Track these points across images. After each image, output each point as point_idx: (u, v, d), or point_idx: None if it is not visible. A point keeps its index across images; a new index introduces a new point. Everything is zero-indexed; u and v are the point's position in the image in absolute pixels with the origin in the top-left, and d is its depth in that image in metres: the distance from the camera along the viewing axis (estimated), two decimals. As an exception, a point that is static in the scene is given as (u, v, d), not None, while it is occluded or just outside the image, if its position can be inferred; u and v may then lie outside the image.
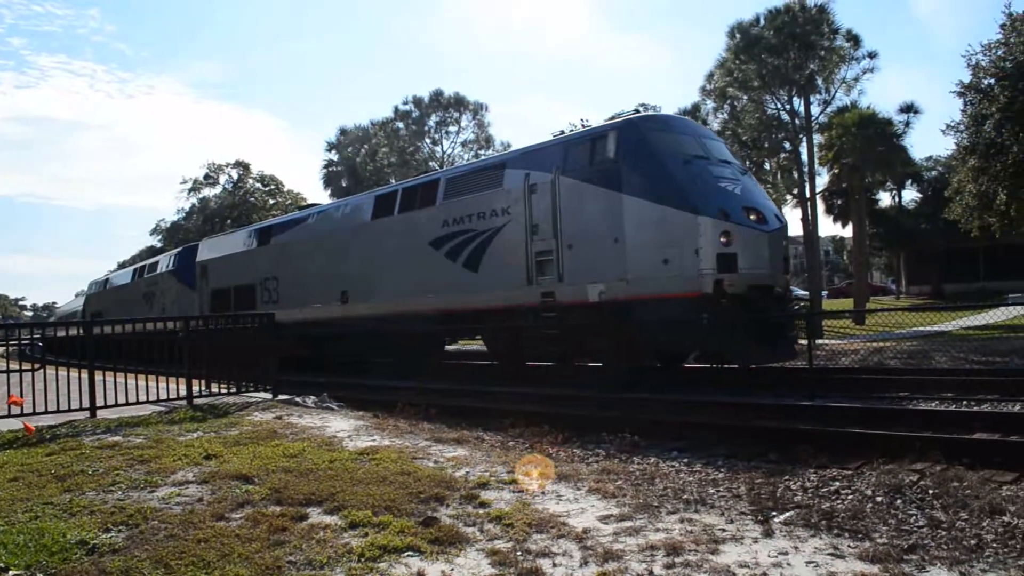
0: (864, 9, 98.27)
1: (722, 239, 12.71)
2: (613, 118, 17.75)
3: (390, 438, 8.50)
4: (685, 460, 7.64)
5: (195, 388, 11.34)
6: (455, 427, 9.75)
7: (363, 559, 4.44)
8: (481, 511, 5.53)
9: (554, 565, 4.41)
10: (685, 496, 6.08)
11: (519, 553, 4.63)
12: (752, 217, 13.31)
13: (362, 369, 20.70)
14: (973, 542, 4.81)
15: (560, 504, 5.85)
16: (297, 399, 11.59)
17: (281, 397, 11.72)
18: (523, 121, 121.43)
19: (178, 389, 11.29)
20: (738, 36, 41.42)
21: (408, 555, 4.54)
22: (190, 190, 74.52)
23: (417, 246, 17.76)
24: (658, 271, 12.91)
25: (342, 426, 9.28)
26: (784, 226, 14.64)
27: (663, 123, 14.92)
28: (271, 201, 73.00)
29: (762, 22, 41.15)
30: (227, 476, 6.39)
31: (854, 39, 40.47)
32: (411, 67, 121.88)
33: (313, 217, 23.17)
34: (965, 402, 9.94)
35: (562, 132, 18.81)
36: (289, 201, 71.10)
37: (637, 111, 18.45)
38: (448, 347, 22.49)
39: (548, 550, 4.68)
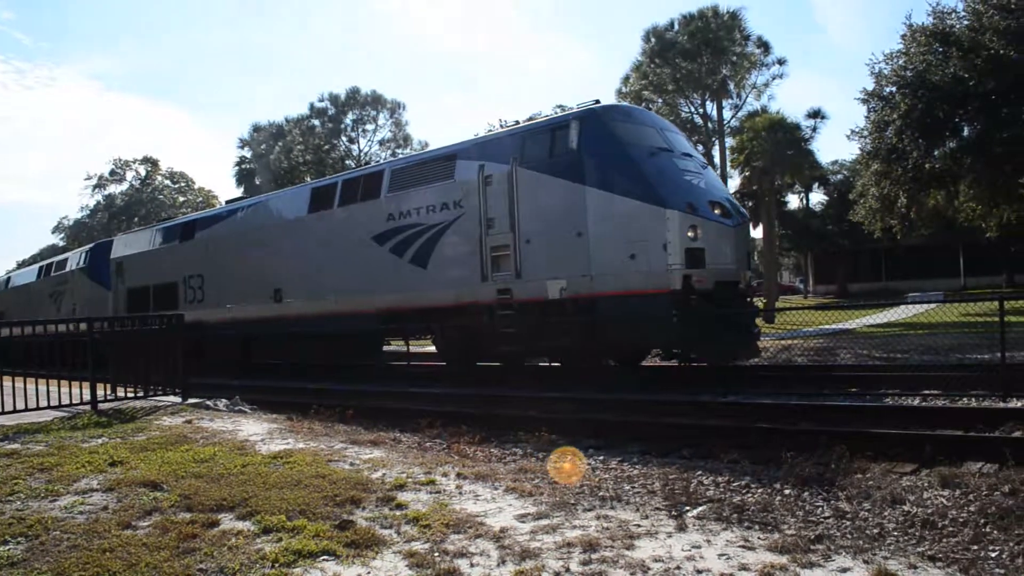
0: (774, 17, 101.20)
1: (689, 234, 12.34)
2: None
3: (305, 441, 8.36)
4: (601, 457, 7.73)
5: (100, 393, 10.92)
6: (371, 429, 9.64)
7: (277, 565, 4.35)
8: (398, 513, 5.49)
9: (472, 565, 4.40)
10: (601, 493, 6.15)
11: (436, 554, 4.60)
12: (717, 211, 13.03)
13: (296, 372, 19.75)
14: (876, 531, 4.99)
15: (478, 504, 5.83)
16: (208, 402, 11.28)
17: (191, 401, 11.40)
18: (442, 121, 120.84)
19: (82, 394, 10.85)
20: (653, 40, 42.15)
21: (323, 559, 4.47)
22: (95, 187, 72.13)
23: (359, 241, 16.90)
24: (624, 266, 12.44)
25: (255, 429, 9.09)
26: (747, 220, 14.40)
27: (626, 113, 14.48)
28: (181, 199, 71.13)
29: (676, 27, 41.97)
30: (134, 483, 6.18)
31: (764, 46, 41.70)
32: (328, 64, 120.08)
33: (242, 211, 21.92)
34: (868, 396, 10.29)
35: (491, 130, 17.95)
36: (200, 199, 69.40)
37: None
38: (385, 348, 21.39)
39: (466, 550, 4.66)
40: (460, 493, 6.18)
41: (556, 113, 17.59)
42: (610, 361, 15.18)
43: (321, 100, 60.61)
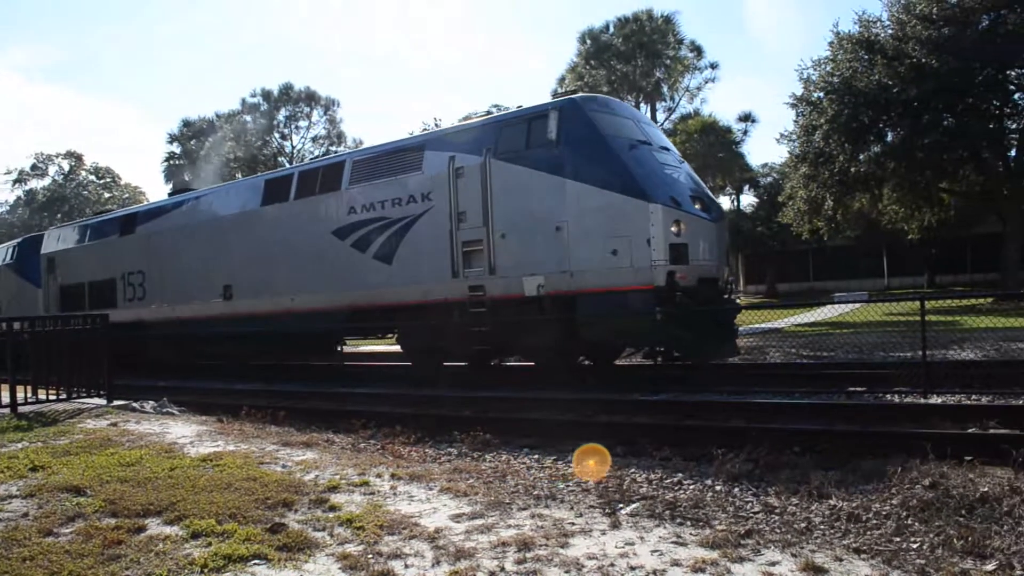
0: (708, 20, 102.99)
1: (673, 229, 12.02)
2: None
3: (235, 443, 8.20)
4: (536, 457, 7.76)
5: (20, 395, 10.55)
6: (304, 430, 9.52)
7: (207, 570, 4.26)
8: (331, 515, 5.42)
9: (406, 566, 4.37)
10: (536, 492, 6.17)
11: (370, 556, 4.56)
12: (698, 206, 12.81)
13: (241, 373, 18.73)
14: (803, 525, 5.11)
15: (412, 505, 5.80)
16: (135, 404, 11.00)
17: (117, 403, 11.09)
18: (378, 119, 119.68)
19: (0, 397, 10.48)
20: (588, 42, 42.53)
21: (255, 563, 4.39)
22: (15, 181, 69.77)
23: (318, 235, 16.16)
24: (606, 262, 12.05)
25: (183, 432, 8.88)
26: (724, 215, 14.16)
27: (604, 104, 13.93)
28: (107, 195, 69.25)
29: (612, 29, 42.41)
30: (56, 488, 5.98)
31: (697, 50, 42.46)
32: (261, 59, 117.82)
33: (188, 204, 20.70)
34: (797, 393, 10.53)
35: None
36: (127, 195, 67.65)
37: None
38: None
39: (400, 551, 4.63)
40: (394, 494, 6.13)
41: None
42: (583, 360, 14.78)
43: (253, 96, 59.73)
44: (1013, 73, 28.27)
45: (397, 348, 17.12)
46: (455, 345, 14.34)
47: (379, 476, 6.72)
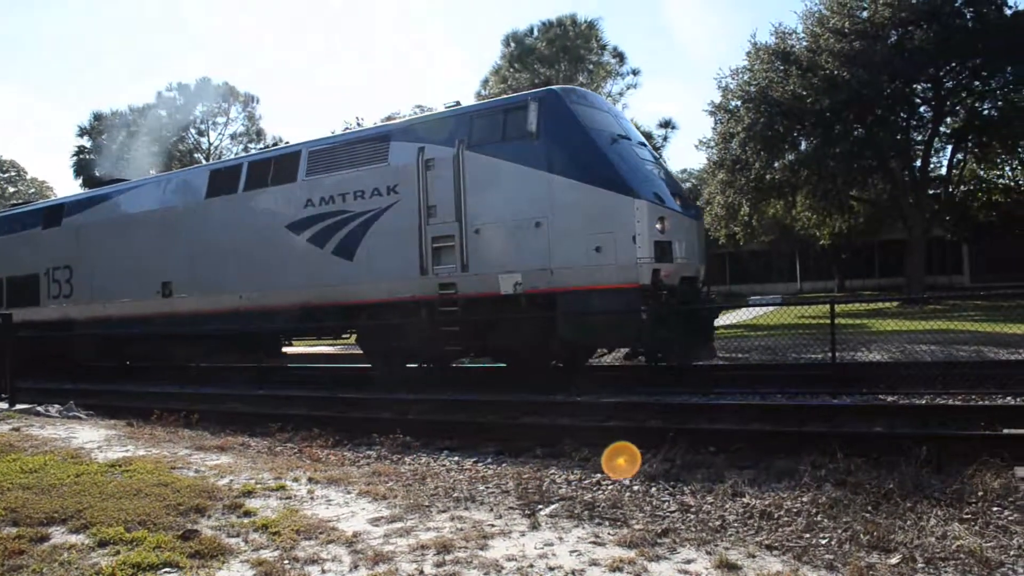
0: (631, 27, 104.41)
1: (658, 226, 11.68)
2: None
3: (146, 447, 7.97)
4: (456, 459, 7.73)
5: (-86, 399, 10.06)
6: (219, 434, 9.30)
7: (112, 579, 4.12)
8: (246, 520, 5.31)
9: (323, 572, 4.31)
10: (455, 494, 6.15)
11: (286, 562, 4.48)
12: (677, 202, 12.58)
13: (164, 375, 17.76)
14: (718, 523, 5.21)
15: (330, 509, 5.72)
16: (39, 408, 10.59)
17: (20, 407, 10.67)
18: (298, 119, 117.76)
19: None
20: (513, 45, 42.65)
21: (165, 572, 4.27)
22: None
23: (270, 230, 15.27)
24: (589, 260, 11.59)
25: (91, 436, 8.58)
26: (701, 212, 13.74)
27: (583, 96, 13.42)
28: (11, 189, 66.51)
29: (536, 33, 42.62)
30: (-50, 497, 5.71)
31: (620, 56, 42.92)
32: (176, 51, 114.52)
33: (123, 195, 19.24)
34: (713, 394, 10.74)
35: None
36: (33, 190, 65.07)
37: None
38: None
39: (317, 556, 4.56)
40: (312, 498, 6.04)
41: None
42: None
43: (170, 89, 57.93)
44: (919, 87, 29.51)
45: (334, 349, 16.75)
46: (422, 346, 13.67)
47: (296, 480, 6.61)
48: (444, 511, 5.64)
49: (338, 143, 15.27)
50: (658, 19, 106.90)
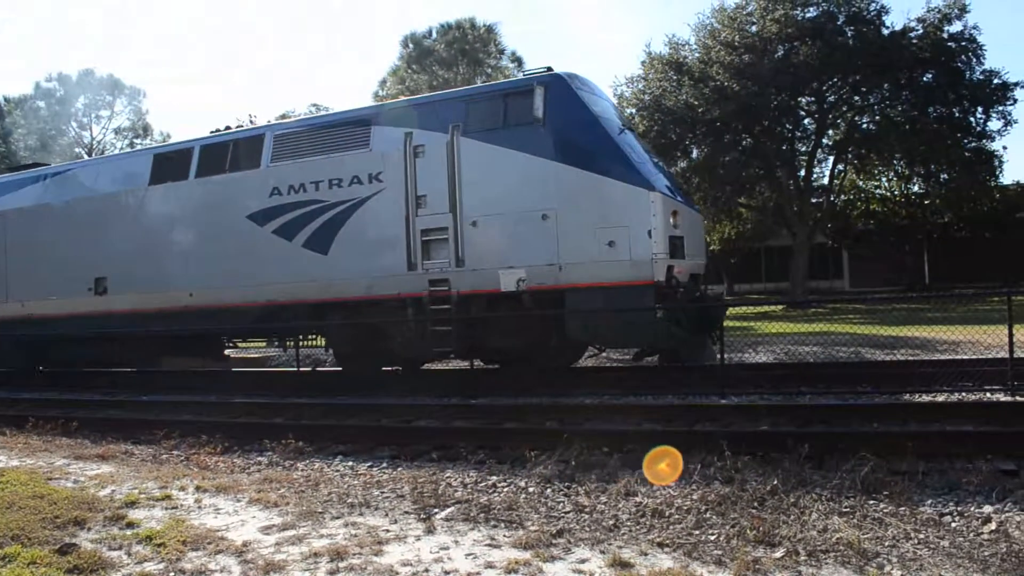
0: (530, 30, 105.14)
1: (672, 220, 11.23)
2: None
3: (19, 458, 7.57)
4: (350, 464, 7.61)
5: None
6: (100, 442, 8.91)
7: (-20, 598, 3.89)
8: (129, 532, 5.12)
9: (210, 582, 4.18)
10: (350, 500, 6.07)
11: (172, 574, 4.34)
12: (680, 197, 12.05)
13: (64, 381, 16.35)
14: (611, 522, 5.30)
15: (219, 518, 5.57)
16: (-102, 419, 9.92)
17: None
18: (191, 115, 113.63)
19: None
20: (411, 46, 42.53)
21: (38, 588, 4.06)
22: None
23: (228, 221, 13.96)
24: (602, 255, 11.00)
25: (-41, 447, 8.10)
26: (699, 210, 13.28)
27: (584, 82, 12.58)
28: None
29: (435, 35, 42.61)
30: None
31: (518, 61, 43.36)
32: (56, 41, 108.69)
33: (46, 181, 17.22)
34: (607, 395, 10.89)
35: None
36: None
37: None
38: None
39: (205, 568, 4.43)
40: (199, 507, 5.87)
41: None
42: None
43: (49, 80, 55.28)
44: (804, 100, 30.76)
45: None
46: (407, 347, 12.75)
47: (183, 489, 6.40)
48: (338, 517, 5.56)
49: (309, 127, 14.25)
50: (562, 25, 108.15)
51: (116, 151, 47.82)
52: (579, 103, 11.69)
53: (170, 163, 15.17)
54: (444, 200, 12.12)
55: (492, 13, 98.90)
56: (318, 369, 15.66)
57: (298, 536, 5.11)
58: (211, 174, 14.43)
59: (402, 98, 14.45)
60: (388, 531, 5.20)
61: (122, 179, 15.86)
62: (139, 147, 46.94)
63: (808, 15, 28.72)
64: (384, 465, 7.48)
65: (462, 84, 39.91)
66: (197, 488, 6.44)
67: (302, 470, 7.44)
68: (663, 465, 6.33)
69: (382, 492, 6.34)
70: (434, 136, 12.29)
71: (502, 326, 11.94)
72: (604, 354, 13.67)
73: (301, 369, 14.66)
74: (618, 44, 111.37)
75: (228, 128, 15.45)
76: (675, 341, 11.40)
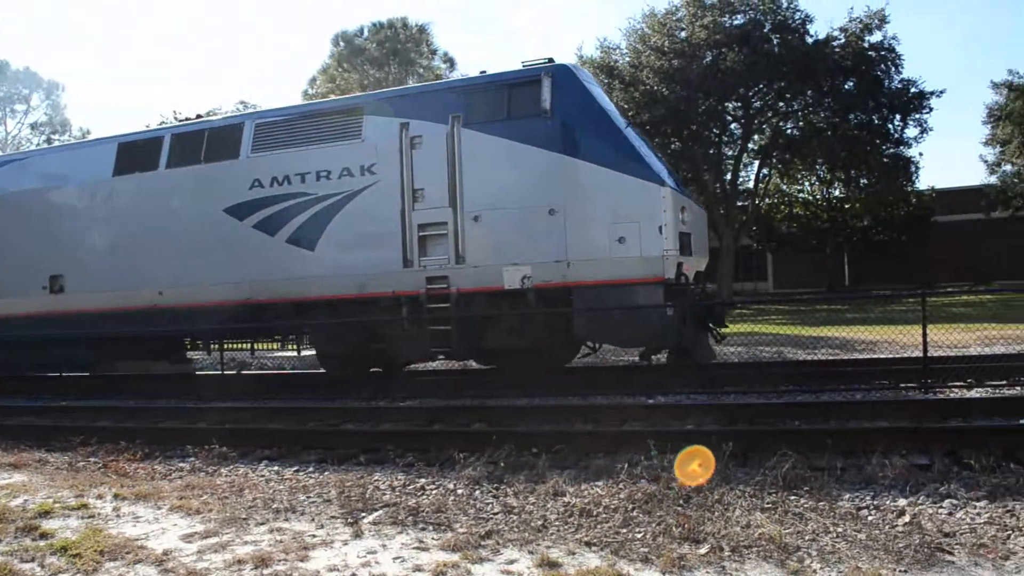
0: (467, 30, 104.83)
1: (681, 216, 11.03)
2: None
3: (-76, 468, 7.24)
4: (276, 468, 7.47)
5: None
6: (11, 449, 8.55)
7: None
8: (42, 543, 4.94)
9: (127, 593, 4.06)
10: (275, 505, 5.96)
11: (86, 584, 4.19)
12: (684, 193, 11.83)
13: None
14: (540, 523, 5.31)
15: (138, 526, 5.42)
16: None
17: None
18: (114, 112, 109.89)
19: None
20: (342, 44, 42.16)
21: (-59, 603, 3.88)
22: None
23: (203, 214, 13.16)
24: (612, 251, 10.74)
25: None
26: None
27: (586, 74, 12.25)
28: None
29: (366, 34, 42.29)
30: None
31: (450, 61, 43.35)
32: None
33: None
34: (537, 396, 10.92)
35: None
36: None
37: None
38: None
39: (121, 577, 4.29)
40: (118, 516, 5.70)
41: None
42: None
43: (-38, 73, 53.24)
44: (730, 105, 31.42)
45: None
46: (400, 347, 12.28)
47: (100, 497, 6.21)
48: (263, 523, 5.47)
49: (294, 116, 13.46)
50: (499, 26, 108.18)
51: (32, 147, 46.11)
52: (587, 95, 11.48)
53: (137, 152, 14.19)
54: (443, 194, 11.67)
55: (424, 13, 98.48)
56: (243, 372, 15.35)
57: (221, 543, 5.00)
58: (184, 164, 13.61)
59: (396, 87, 13.79)
60: (315, 536, 5.13)
61: (81, 169, 14.73)
62: (57, 142, 45.39)
63: (736, 22, 29.39)
64: (311, 469, 7.37)
65: (394, 84, 39.72)
66: (115, 496, 6.26)
67: (226, 476, 7.28)
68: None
69: (308, 497, 6.25)
70: (432, 127, 11.82)
71: (504, 325, 11.54)
72: (597, 354, 13.47)
73: (225, 372, 14.31)
74: (552, 49, 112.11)
75: (164, 123, 14.85)
76: (685, 340, 11.25)
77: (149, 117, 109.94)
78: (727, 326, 11.96)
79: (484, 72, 12.24)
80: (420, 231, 11.79)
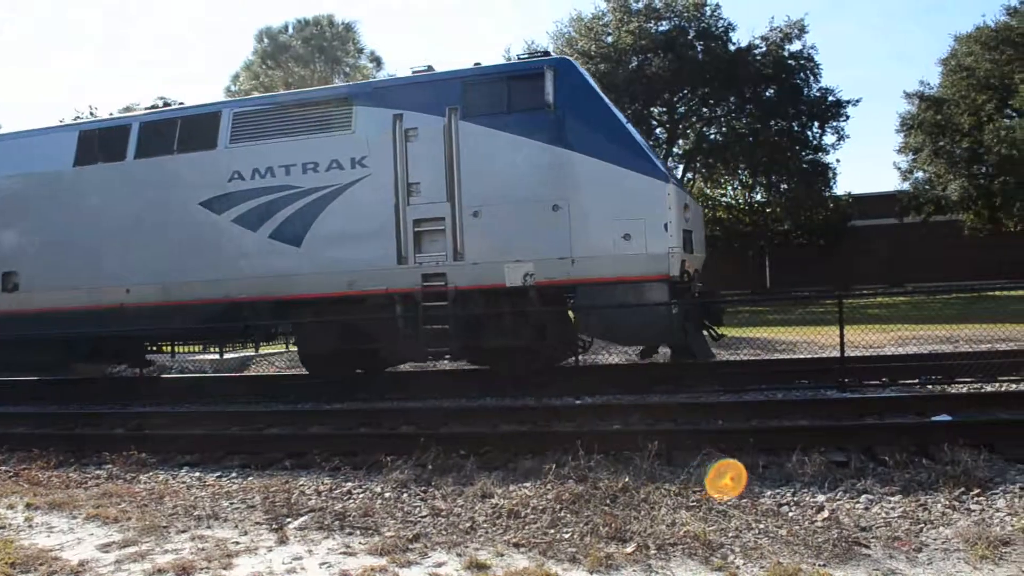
0: (393, 32, 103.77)
1: (685, 213, 10.95)
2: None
3: None
4: (197, 474, 7.28)
5: None
6: (-87, 460, 8.17)
7: None
8: (-53, 556, 4.71)
9: (40, 606, 3.91)
10: (197, 512, 5.82)
11: (-5, 598, 4.02)
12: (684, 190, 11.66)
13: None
14: (468, 525, 5.30)
15: (52, 537, 5.24)
16: None
17: None
18: (107, 108, 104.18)
19: None
20: (266, 41, 41.48)
21: None
22: None
23: (175, 208, 12.44)
24: (617, 248, 10.60)
25: None
26: None
27: (584, 70, 11.99)
28: None
29: (291, 30, 41.71)
30: None
31: (377, 60, 43.00)
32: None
33: None
34: (464, 399, 10.91)
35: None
36: None
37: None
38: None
39: (33, 590, 4.13)
40: (30, 526, 5.50)
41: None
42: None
43: None
44: (656, 110, 31.92)
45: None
46: (394, 347, 11.86)
47: (11, 507, 5.99)
48: (184, 531, 5.34)
49: (276, 105, 12.84)
50: (426, 27, 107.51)
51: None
52: (590, 89, 11.39)
53: (102, 142, 13.29)
54: (440, 188, 11.35)
55: (351, 11, 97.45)
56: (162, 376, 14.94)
57: (140, 553, 4.87)
58: (155, 155, 12.80)
59: (388, 76, 13.11)
60: (238, 543, 5.03)
61: (37, 159, 13.68)
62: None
63: (661, 29, 29.88)
64: (234, 475, 7.20)
65: (319, 83, 39.22)
66: (28, 505, 6.03)
67: (145, 483, 7.07)
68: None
69: (232, 503, 6.11)
70: (428, 119, 11.47)
71: (504, 324, 11.27)
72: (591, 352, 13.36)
73: (147, 376, 13.89)
74: (480, 51, 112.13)
75: (78, 118, 14.02)
76: (688, 338, 11.18)
77: (62, 114, 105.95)
78: (723, 324, 12.00)
79: (479, 64, 11.96)
80: (415, 226, 11.45)
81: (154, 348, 14.97)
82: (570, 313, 11.80)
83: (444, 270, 11.29)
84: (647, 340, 11.98)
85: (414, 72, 12.22)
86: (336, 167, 11.74)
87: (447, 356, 12.05)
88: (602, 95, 11.53)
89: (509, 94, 11.26)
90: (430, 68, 12.13)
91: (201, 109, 13.33)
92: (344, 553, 4.79)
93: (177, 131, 12.82)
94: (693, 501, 5.49)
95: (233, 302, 12.27)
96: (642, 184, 10.69)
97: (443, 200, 11.31)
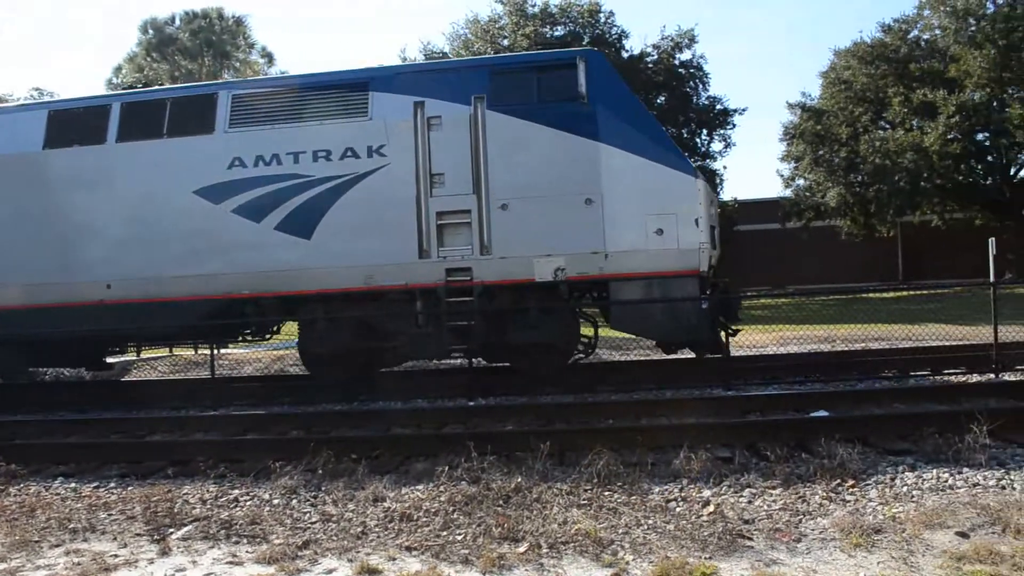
0: (284, 29, 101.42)
1: (712, 209, 10.92)
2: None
3: None
4: (73, 485, 6.92)
5: None
6: None
7: None
8: None
9: None
10: (72, 525, 5.56)
11: None
12: None
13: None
14: (359, 529, 5.23)
15: (-93, 555, 4.88)
16: None
17: None
18: None
19: None
20: (151, 32, 40.07)
21: None
22: None
23: (166, 196, 11.46)
24: (650, 243, 10.47)
25: None
26: None
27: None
28: None
29: (178, 22, 40.41)
30: None
31: (269, 56, 42.06)
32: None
33: None
34: (357, 403, 10.77)
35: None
36: None
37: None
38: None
39: None
40: None
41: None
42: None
43: None
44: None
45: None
46: (412, 345, 11.34)
47: None
48: (58, 545, 5.10)
49: (282, 87, 12.19)
50: (318, 25, 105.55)
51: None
52: (620, 83, 11.28)
53: (77, 123, 12.15)
54: (466, 180, 10.94)
55: (241, 5, 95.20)
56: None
57: (10, 570, 4.61)
58: (141, 138, 11.79)
59: (409, 62, 12.05)
60: (117, 556, 4.82)
61: (6, 142, 12.26)
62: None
63: (556, 33, 30.16)
64: (113, 485, 6.88)
65: (207, 77, 38.11)
66: None
67: (15, 496, 6.67)
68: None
69: (110, 514, 5.85)
70: (452, 107, 11.06)
71: (533, 319, 10.96)
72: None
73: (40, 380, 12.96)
74: (375, 51, 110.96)
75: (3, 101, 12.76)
76: (715, 333, 11.04)
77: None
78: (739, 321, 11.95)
79: (505, 54, 11.73)
80: (439, 219, 11.01)
81: (117, 349, 13.97)
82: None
83: (470, 264, 10.93)
84: (678, 334, 11.52)
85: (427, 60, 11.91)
86: (351, 155, 11.18)
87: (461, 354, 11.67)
88: (629, 90, 11.48)
89: (539, 84, 11.06)
90: (444, 55, 11.96)
91: (193, 90, 12.60)
92: (230, 563, 4.65)
93: (167, 113, 11.86)
94: (585, 499, 5.56)
95: (232, 298, 11.55)
96: (675, 179, 10.67)
97: (469, 192, 10.94)
